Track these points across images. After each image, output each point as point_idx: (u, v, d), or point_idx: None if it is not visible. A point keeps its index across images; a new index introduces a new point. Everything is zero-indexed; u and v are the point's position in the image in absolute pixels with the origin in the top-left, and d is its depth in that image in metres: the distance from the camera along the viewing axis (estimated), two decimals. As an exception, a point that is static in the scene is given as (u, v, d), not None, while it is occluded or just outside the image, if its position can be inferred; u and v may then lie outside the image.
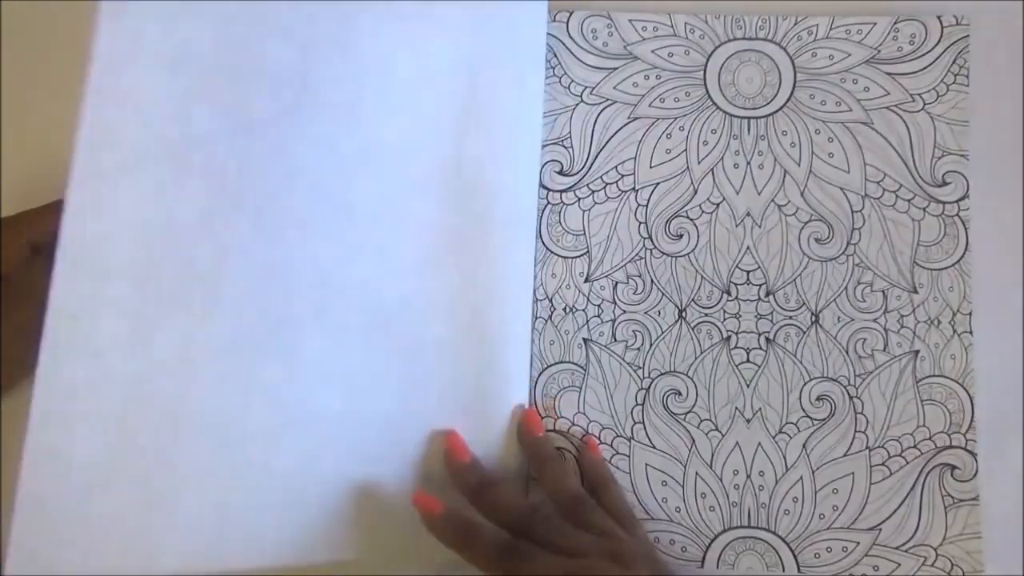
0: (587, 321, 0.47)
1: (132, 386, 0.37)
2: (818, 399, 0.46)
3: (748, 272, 0.47)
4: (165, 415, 0.38)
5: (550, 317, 0.47)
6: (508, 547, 0.39)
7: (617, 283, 0.47)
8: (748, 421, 0.46)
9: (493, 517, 0.42)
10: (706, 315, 0.47)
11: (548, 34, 0.48)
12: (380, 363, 0.45)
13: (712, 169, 0.47)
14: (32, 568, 0.36)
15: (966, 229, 0.46)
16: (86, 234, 0.37)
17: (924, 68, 0.47)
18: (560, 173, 0.48)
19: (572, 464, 0.46)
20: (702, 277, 0.47)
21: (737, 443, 0.46)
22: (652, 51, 0.48)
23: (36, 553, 0.36)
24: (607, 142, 0.47)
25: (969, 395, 0.45)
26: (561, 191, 0.47)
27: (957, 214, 0.46)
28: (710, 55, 0.48)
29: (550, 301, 0.47)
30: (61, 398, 0.36)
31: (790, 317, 0.46)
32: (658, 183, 0.47)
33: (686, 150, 0.47)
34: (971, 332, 0.46)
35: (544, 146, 0.48)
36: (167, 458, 0.38)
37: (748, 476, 0.46)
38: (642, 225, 0.47)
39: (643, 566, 0.39)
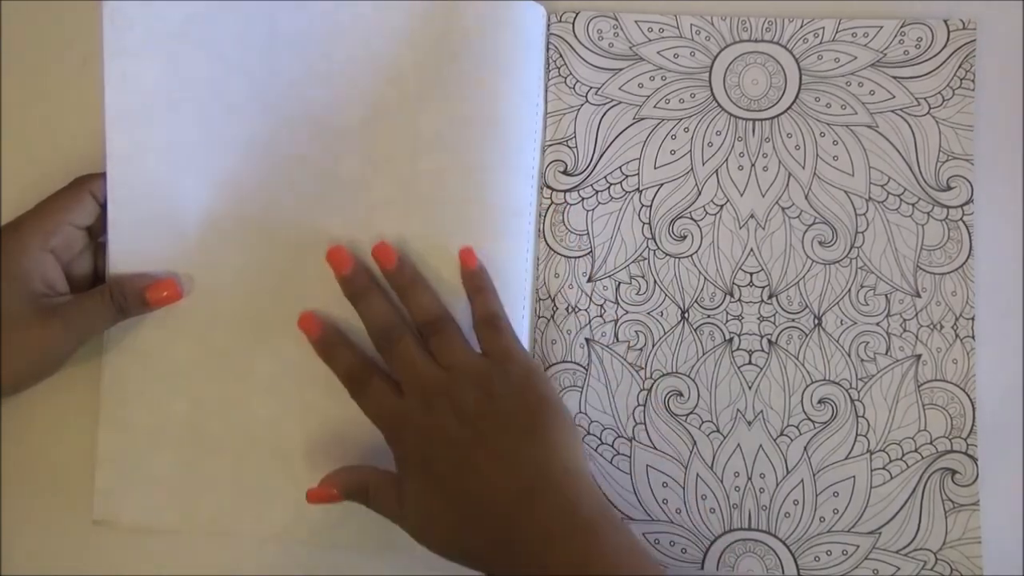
0: (589, 321, 0.47)
1: (172, 383, 0.46)
2: (820, 402, 0.46)
3: (751, 274, 0.47)
4: (195, 401, 0.46)
5: (552, 317, 0.47)
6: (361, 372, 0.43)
7: (620, 283, 0.47)
8: (749, 423, 0.46)
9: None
10: (709, 316, 0.47)
11: (554, 34, 0.48)
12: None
13: (716, 171, 0.47)
14: (111, 509, 0.46)
15: (970, 234, 0.46)
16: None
17: (930, 72, 0.47)
18: (564, 173, 0.47)
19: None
20: (705, 278, 0.47)
21: (738, 445, 0.46)
22: (658, 52, 0.48)
23: (112, 495, 0.46)
24: (612, 142, 0.47)
25: (971, 400, 0.45)
26: (565, 191, 0.47)
27: (961, 219, 0.46)
28: (716, 57, 0.48)
29: (552, 301, 0.47)
30: (125, 386, 0.46)
31: (793, 320, 0.46)
32: (662, 184, 0.47)
33: (691, 151, 0.47)
34: (973, 337, 0.46)
35: (548, 146, 0.48)
36: (197, 434, 0.46)
37: (749, 478, 0.46)
38: (646, 226, 0.47)
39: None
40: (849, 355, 0.46)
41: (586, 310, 0.47)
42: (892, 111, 0.47)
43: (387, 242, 0.45)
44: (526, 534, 0.38)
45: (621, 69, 0.48)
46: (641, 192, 0.47)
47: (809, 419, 0.46)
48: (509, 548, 0.38)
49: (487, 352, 0.43)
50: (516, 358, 0.42)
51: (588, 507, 0.39)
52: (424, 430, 0.41)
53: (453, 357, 0.42)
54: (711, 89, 0.48)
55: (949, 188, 0.46)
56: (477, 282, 0.45)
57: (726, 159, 0.47)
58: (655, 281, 0.47)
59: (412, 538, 0.41)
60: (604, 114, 0.47)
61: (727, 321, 0.47)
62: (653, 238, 0.47)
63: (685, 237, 0.47)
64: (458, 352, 0.43)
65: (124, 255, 0.46)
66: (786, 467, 0.46)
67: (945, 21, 0.47)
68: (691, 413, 0.46)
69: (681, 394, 0.46)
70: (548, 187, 0.47)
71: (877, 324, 0.46)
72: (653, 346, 0.47)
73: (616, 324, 0.47)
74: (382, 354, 0.44)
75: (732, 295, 0.47)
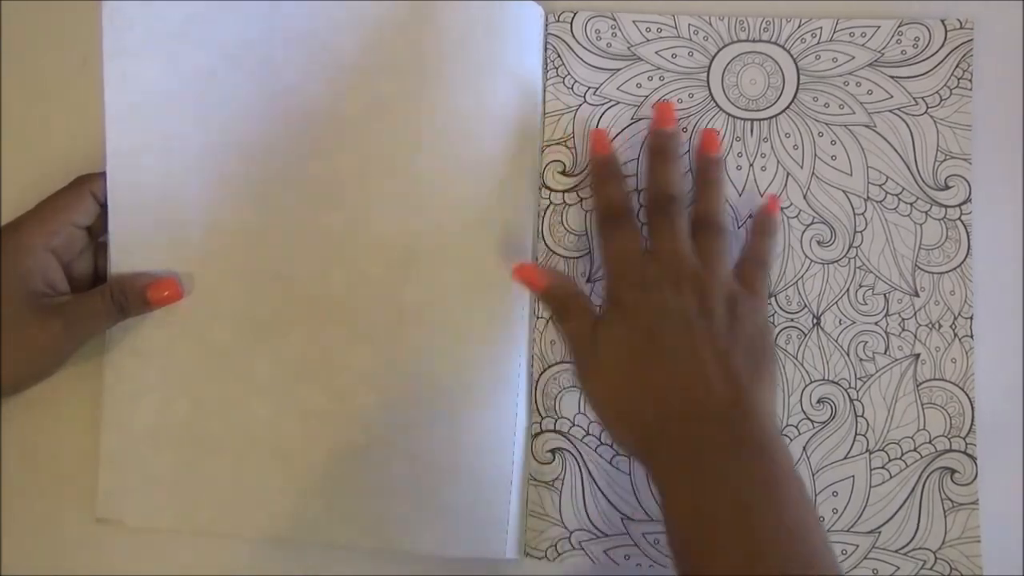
0: (588, 321, 0.47)
1: (172, 383, 0.47)
2: (819, 402, 0.46)
3: (750, 274, 0.47)
4: (195, 401, 0.46)
5: (552, 317, 0.47)
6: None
7: (619, 284, 0.47)
8: (748, 423, 0.46)
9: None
10: (707, 316, 0.47)
11: (552, 34, 0.48)
12: (369, 362, 0.45)
13: (715, 171, 0.47)
14: (115, 509, 0.46)
15: (968, 233, 0.46)
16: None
17: (927, 72, 0.47)
18: (563, 173, 0.48)
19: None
20: (704, 278, 0.47)
21: (737, 445, 0.46)
22: (656, 52, 0.48)
23: (113, 495, 0.46)
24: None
25: (969, 399, 0.45)
26: (563, 191, 0.47)
27: (959, 218, 0.46)
28: (714, 57, 0.48)
29: (552, 301, 0.47)
30: (127, 386, 0.46)
31: (792, 319, 0.46)
32: (661, 184, 0.47)
33: (689, 151, 0.47)
34: (972, 336, 0.46)
35: (547, 146, 0.48)
36: (197, 434, 0.46)
37: (748, 478, 0.46)
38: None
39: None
40: (848, 354, 0.46)
41: (585, 310, 0.47)
42: (890, 111, 0.47)
43: (716, 131, 0.47)
44: (717, 444, 0.38)
45: (619, 69, 0.48)
46: (640, 193, 0.47)
47: (808, 419, 0.46)
48: (691, 446, 0.38)
49: (744, 280, 0.43)
50: (764, 304, 0.44)
51: (785, 458, 0.38)
52: (662, 300, 0.41)
53: (716, 263, 0.43)
54: (709, 89, 0.48)
55: (947, 187, 0.47)
56: (769, 228, 0.45)
57: (724, 159, 0.47)
58: (654, 281, 0.47)
59: (576, 374, 0.42)
60: (602, 114, 0.48)
61: (726, 321, 0.47)
62: (652, 238, 0.47)
63: (684, 237, 0.47)
64: (723, 263, 0.43)
65: (125, 255, 0.46)
66: (785, 466, 0.46)
67: (942, 21, 0.47)
68: (690, 413, 0.46)
69: (680, 394, 0.46)
70: (547, 187, 0.47)
71: (876, 323, 0.46)
72: (652, 346, 0.47)
73: (615, 324, 0.47)
74: (653, 215, 0.44)
75: (731, 295, 0.47)
